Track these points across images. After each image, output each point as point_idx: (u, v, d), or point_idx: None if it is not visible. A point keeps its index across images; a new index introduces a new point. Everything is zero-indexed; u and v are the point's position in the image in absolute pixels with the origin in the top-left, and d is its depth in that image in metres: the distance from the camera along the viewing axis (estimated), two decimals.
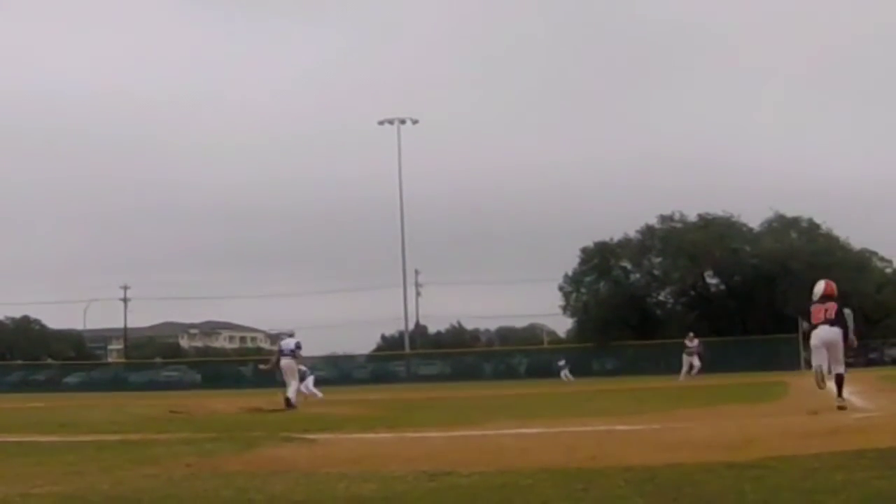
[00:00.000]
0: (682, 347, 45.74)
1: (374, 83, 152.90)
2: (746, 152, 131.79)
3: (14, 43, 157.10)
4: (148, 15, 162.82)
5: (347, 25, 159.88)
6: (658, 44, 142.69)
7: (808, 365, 40.06)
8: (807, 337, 17.93)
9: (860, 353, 72.33)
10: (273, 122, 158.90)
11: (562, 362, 66.14)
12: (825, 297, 17.51)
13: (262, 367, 27.95)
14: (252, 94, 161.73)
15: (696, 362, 44.13)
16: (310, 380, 33.34)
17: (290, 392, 26.35)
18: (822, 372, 16.95)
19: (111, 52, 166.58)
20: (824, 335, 17.02)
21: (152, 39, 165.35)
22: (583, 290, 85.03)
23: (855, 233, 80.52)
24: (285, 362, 27.08)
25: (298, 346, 27.75)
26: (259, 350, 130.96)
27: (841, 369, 17.03)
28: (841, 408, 15.94)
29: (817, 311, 17.47)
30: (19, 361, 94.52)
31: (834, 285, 17.69)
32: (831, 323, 16.99)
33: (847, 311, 17.23)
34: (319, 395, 32.60)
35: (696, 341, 45.80)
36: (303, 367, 29.37)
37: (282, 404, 25.41)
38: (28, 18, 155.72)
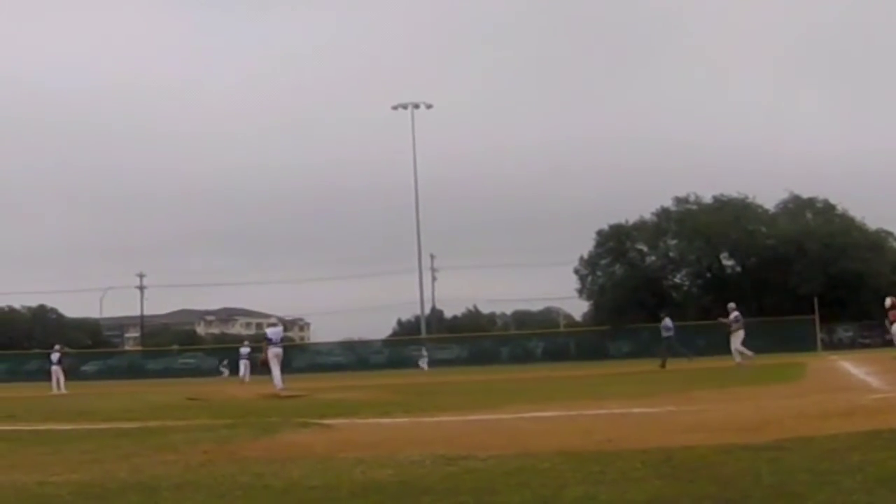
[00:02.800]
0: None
1: (387, 68, 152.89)
2: (760, 134, 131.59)
3: (24, 39, 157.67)
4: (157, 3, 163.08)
5: (359, 11, 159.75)
6: (661, 28, 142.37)
7: (825, 346, 45.84)
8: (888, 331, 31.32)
9: (877, 335, 72.42)
10: (288, 108, 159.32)
11: (422, 351, 69.93)
12: (892, 308, 30.53)
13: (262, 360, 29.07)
14: (266, 81, 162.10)
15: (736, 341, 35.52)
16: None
17: (276, 378, 27.33)
18: None
19: (119, 42, 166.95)
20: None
21: (164, 25, 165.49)
22: (598, 272, 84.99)
23: (870, 213, 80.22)
24: (276, 350, 28.15)
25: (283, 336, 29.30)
26: None
27: None
28: None
29: (893, 316, 30.55)
30: (36, 350, 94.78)
31: None
32: None
33: None
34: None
35: (734, 314, 36.30)
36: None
37: (283, 392, 25.75)
38: (39, 14, 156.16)
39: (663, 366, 37.04)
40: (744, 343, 35.27)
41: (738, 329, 35.68)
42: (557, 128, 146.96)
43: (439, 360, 79.52)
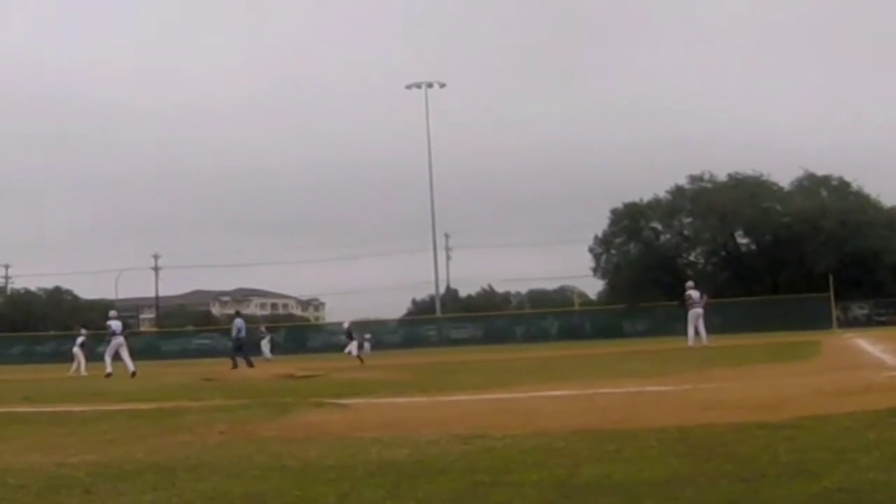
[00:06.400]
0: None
1: (400, 47, 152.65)
2: (774, 112, 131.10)
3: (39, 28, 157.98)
4: None
5: None
6: (680, 5, 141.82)
7: (840, 323, 48.01)
8: None
9: (892, 313, 72.24)
10: (300, 88, 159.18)
11: (367, 335, 67.50)
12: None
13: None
14: (280, 61, 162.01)
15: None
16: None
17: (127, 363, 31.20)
18: None
19: (130, 27, 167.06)
20: None
21: (173, 15, 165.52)
22: (613, 251, 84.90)
23: (885, 191, 79.84)
24: (119, 340, 32.40)
25: (126, 326, 31.36)
26: (290, 316, 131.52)
27: None
28: None
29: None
30: (52, 332, 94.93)
31: None
32: None
33: None
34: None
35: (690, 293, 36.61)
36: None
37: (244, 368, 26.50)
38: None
39: (235, 366, 35.18)
40: (696, 327, 35.23)
41: (692, 307, 35.53)
42: (572, 107, 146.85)
43: (454, 339, 79.54)
